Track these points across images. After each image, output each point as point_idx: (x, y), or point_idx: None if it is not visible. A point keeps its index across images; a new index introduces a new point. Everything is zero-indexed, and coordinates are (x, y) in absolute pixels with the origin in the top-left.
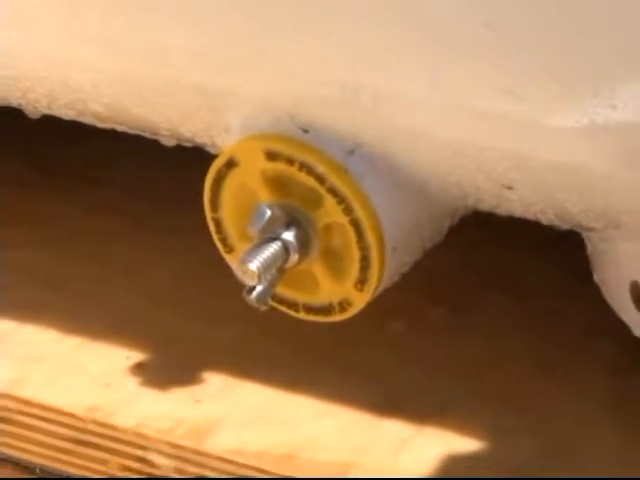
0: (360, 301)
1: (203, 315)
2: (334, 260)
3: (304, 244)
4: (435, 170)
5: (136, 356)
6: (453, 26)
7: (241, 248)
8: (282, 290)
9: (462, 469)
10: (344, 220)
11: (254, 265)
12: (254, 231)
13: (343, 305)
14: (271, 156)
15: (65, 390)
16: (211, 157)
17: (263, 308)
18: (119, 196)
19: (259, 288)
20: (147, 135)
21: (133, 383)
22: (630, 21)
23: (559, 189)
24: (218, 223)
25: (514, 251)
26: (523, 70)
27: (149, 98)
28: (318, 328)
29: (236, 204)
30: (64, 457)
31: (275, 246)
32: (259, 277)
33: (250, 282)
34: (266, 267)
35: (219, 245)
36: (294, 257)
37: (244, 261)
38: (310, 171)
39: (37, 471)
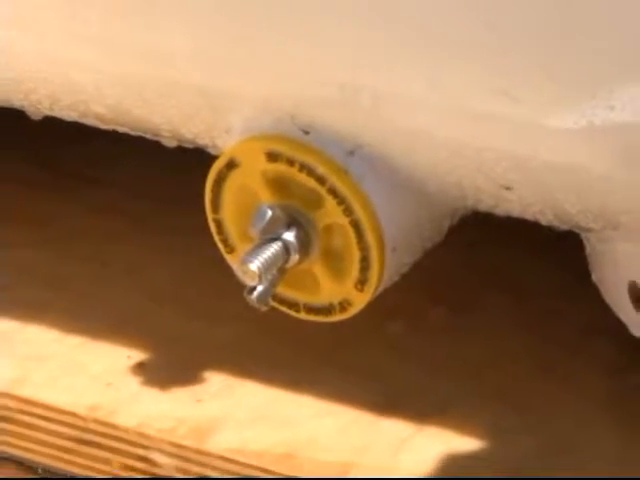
0: (360, 301)
1: (204, 315)
2: (334, 260)
3: (305, 244)
4: (434, 171)
5: (137, 356)
6: (452, 28)
7: (242, 248)
8: (283, 290)
9: (462, 468)
10: (344, 221)
11: (255, 265)
12: (255, 232)
13: (343, 305)
14: (272, 157)
15: (66, 389)
16: (212, 158)
17: (264, 308)
18: (120, 196)
19: (260, 288)
20: (149, 136)
21: (134, 382)
22: (628, 23)
23: (558, 190)
24: (219, 224)
25: (513, 251)
26: (521, 72)
27: (150, 99)
28: (318, 328)
29: (237, 205)
30: (66, 456)
31: (276, 246)
32: (260, 277)
33: (251, 282)
34: (267, 267)
35: (220, 245)
36: (295, 257)
37: (245, 261)
38: (310, 172)
39: (39, 471)
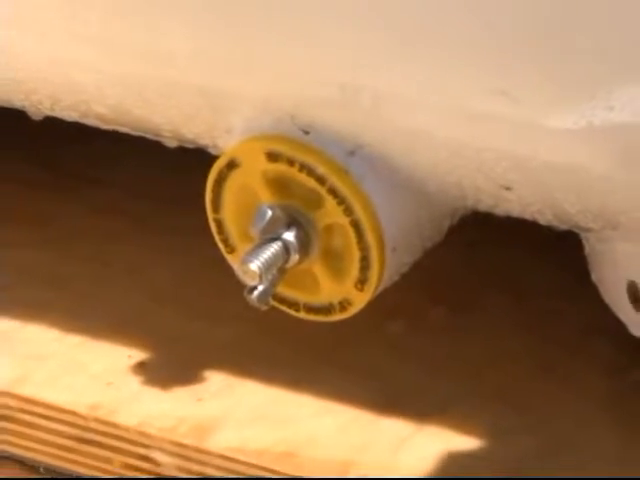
0: (360, 301)
1: (204, 314)
2: (334, 260)
3: (305, 244)
4: (434, 171)
5: (138, 355)
6: (452, 28)
7: (242, 248)
8: (283, 290)
9: (461, 468)
10: (344, 221)
11: (255, 265)
12: (255, 231)
13: (343, 305)
14: (272, 157)
15: (67, 388)
16: (213, 158)
17: (264, 308)
18: (121, 196)
19: (260, 288)
20: (149, 136)
21: (135, 382)
22: (627, 24)
23: (557, 190)
24: (219, 224)
25: (513, 251)
26: (521, 72)
27: (151, 100)
28: (318, 327)
29: (237, 205)
30: (67, 455)
31: (276, 246)
32: (260, 277)
33: (251, 282)
34: (267, 267)
35: (220, 245)
36: (295, 257)
37: (245, 261)
38: (311, 172)
39: (41, 470)
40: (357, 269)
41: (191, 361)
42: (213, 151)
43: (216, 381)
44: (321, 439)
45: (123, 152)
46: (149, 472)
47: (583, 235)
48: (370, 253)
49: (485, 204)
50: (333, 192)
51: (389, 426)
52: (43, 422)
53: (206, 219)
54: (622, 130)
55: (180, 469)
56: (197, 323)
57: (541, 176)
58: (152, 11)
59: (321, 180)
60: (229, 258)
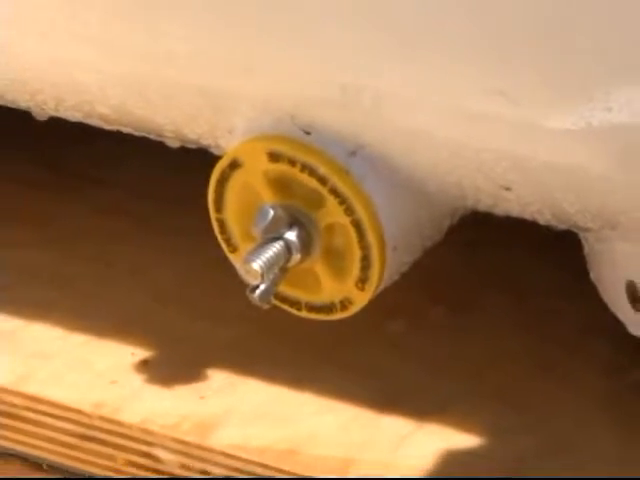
0: (361, 300)
1: (207, 314)
2: (335, 259)
3: (306, 244)
4: (435, 171)
5: (141, 354)
6: (452, 30)
7: (244, 248)
8: (284, 289)
9: (461, 466)
10: (345, 220)
11: (257, 264)
12: (257, 231)
13: (344, 304)
14: (274, 157)
15: (71, 387)
16: (215, 158)
17: (266, 307)
18: (124, 197)
19: (262, 287)
20: (152, 137)
21: (138, 380)
22: (625, 26)
23: (556, 190)
24: (222, 223)
25: (513, 251)
26: (521, 74)
27: (153, 100)
28: (320, 326)
29: (239, 205)
30: (71, 452)
31: (278, 246)
32: (262, 276)
33: (253, 281)
34: (269, 266)
35: (223, 245)
36: (296, 256)
37: (247, 260)
38: (312, 172)
39: (45, 467)
40: (358, 268)
41: (194, 359)
42: (215, 151)
43: (218, 379)
44: (322, 437)
45: (126, 152)
46: (152, 469)
47: (582, 235)
48: (371, 252)
49: (485, 204)
50: (334, 192)
51: (389, 424)
52: (47, 420)
53: (208, 219)
54: (620, 131)
55: (182, 466)
56: (200, 322)
57: (540, 176)
58: (153, 12)
59: (322, 180)
60: (231, 258)
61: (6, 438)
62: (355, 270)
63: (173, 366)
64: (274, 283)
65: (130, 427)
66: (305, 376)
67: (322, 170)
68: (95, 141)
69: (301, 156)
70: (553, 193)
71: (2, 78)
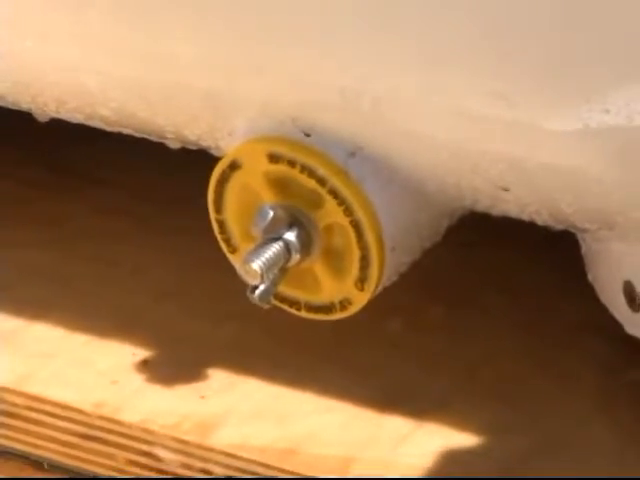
0: (360, 300)
1: (207, 314)
2: (335, 260)
3: (306, 244)
4: (434, 172)
5: (142, 353)
6: (452, 32)
7: (244, 248)
8: (284, 289)
9: (460, 465)
10: (345, 221)
11: (257, 265)
12: (257, 231)
13: (344, 304)
14: (273, 158)
15: (72, 386)
16: (215, 160)
17: (266, 307)
18: (125, 197)
19: (262, 287)
20: (153, 138)
21: (139, 380)
22: (624, 28)
23: (554, 191)
24: (222, 224)
25: (510, 251)
26: (519, 76)
27: (155, 102)
28: (319, 326)
29: (239, 205)
30: (71, 452)
31: (277, 246)
32: (262, 276)
33: (253, 281)
34: (268, 266)
35: (223, 245)
36: (296, 257)
37: (247, 261)
38: (311, 173)
39: (45, 466)
40: (357, 268)
41: (194, 359)
42: (215, 153)
43: (219, 379)
44: (322, 436)
45: (127, 153)
46: (152, 468)
47: (580, 235)
48: (370, 253)
49: (483, 205)
50: (334, 193)
51: (389, 423)
52: (48, 419)
53: (208, 219)
54: (618, 132)
55: (183, 465)
56: (200, 322)
57: (538, 177)
58: (154, 14)
59: (322, 181)
60: (231, 258)
61: (7, 437)
62: (354, 270)
63: (173, 366)
64: (274, 283)
65: (131, 426)
66: (305, 375)
67: (321, 171)
68: (96, 142)
69: (301, 157)
70: (551, 194)
71: (3, 80)
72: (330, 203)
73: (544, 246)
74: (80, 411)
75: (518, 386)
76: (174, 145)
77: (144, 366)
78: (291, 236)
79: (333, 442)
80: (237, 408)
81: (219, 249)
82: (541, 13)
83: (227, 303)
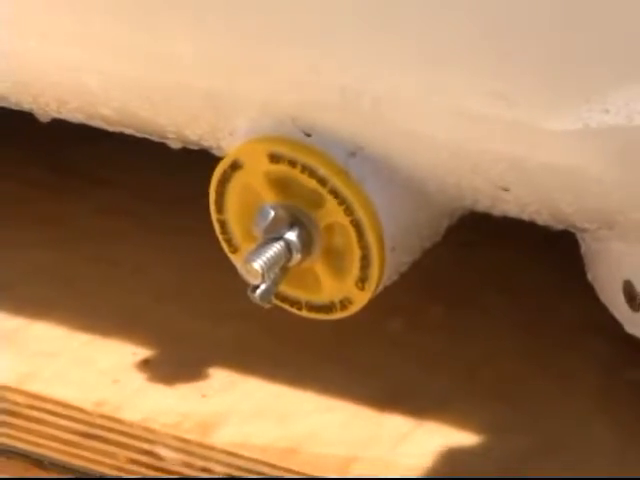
0: (361, 299)
1: (208, 313)
2: (335, 259)
3: (306, 244)
4: (434, 171)
5: (143, 353)
6: (452, 32)
7: (245, 248)
8: (285, 289)
9: (460, 464)
10: (345, 220)
11: (258, 264)
12: (258, 231)
13: (344, 303)
14: (274, 158)
15: (74, 385)
16: (216, 160)
17: (266, 306)
18: (126, 197)
19: (263, 287)
20: (154, 138)
21: (140, 379)
22: (623, 28)
23: (554, 190)
24: (223, 224)
25: (510, 251)
26: (519, 76)
27: (156, 102)
28: (320, 326)
29: (241, 205)
30: (73, 450)
31: (278, 246)
32: (263, 276)
33: (254, 281)
34: (269, 266)
35: (224, 245)
36: (297, 256)
37: (248, 260)
38: (312, 173)
39: (46, 463)
40: (358, 268)
41: (195, 358)
42: (217, 152)
43: (219, 378)
44: (323, 435)
45: (129, 153)
46: (153, 467)
47: (579, 235)
48: (370, 252)
49: (483, 204)
50: (334, 193)
51: (389, 422)
52: (50, 418)
53: (210, 219)
54: (617, 132)
55: (184, 464)
56: (201, 321)
57: (538, 177)
58: (155, 14)
59: (322, 181)
60: (232, 258)
61: (9, 436)
62: (355, 270)
63: (174, 365)
64: (275, 283)
65: (132, 425)
66: (306, 375)
67: (322, 171)
68: (97, 142)
69: (301, 157)
70: (551, 194)
71: (5, 80)
72: (331, 203)
73: (544, 246)
74: (81, 410)
75: (518, 386)
76: (175, 145)
77: (145, 365)
78: (292, 236)
79: (334, 441)
80: (238, 407)
81: (220, 249)
82: (541, 13)
83: (228, 303)
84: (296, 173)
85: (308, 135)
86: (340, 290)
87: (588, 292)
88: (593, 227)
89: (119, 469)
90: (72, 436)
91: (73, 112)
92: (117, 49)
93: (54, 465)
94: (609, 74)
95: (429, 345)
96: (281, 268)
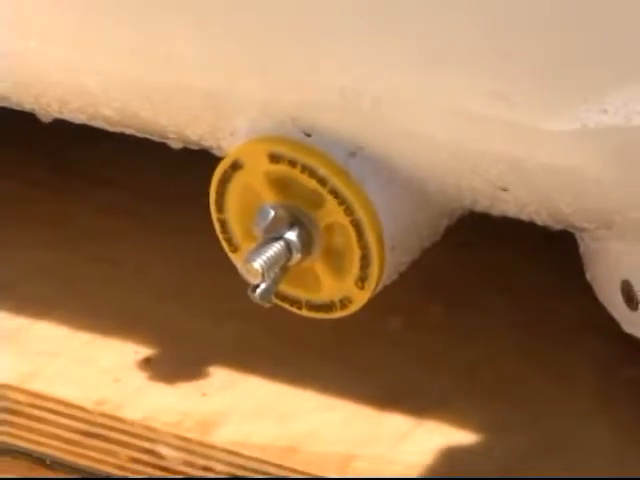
0: (360, 299)
1: (208, 312)
2: (335, 259)
3: (306, 243)
4: (433, 172)
5: (144, 352)
6: (451, 33)
7: (246, 247)
8: (285, 288)
9: (460, 463)
10: (345, 220)
11: (258, 264)
12: (258, 231)
13: (344, 302)
14: (274, 158)
15: (75, 384)
16: (217, 160)
17: (267, 305)
18: (127, 197)
19: (263, 286)
20: (155, 138)
21: (141, 378)
22: (622, 29)
23: (553, 191)
24: (223, 223)
25: (509, 250)
26: (518, 77)
27: (157, 103)
28: (320, 325)
29: (241, 205)
30: (74, 449)
31: (278, 245)
32: (263, 275)
33: (254, 280)
34: (269, 266)
35: (224, 244)
36: (297, 256)
37: (248, 260)
38: (312, 173)
39: (48, 462)
40: (357, 267)
41: (195, 357)
42: (217, 153)
43: (220, 377)
44: (323, 434)
45: (129, 153)
46: (154, 466)
47: (578, 234)
48: (370, 252)
49: (482, 204)
50: (334, 193)
51: (389, 420)
52: (51, 417)
53: (210, 219)
54: (616, 132)
55: (185, 463)
56: (201, 321)
57: (537, 177)
58: (156, 14)
59: (322, 181)
60: (233, 257)
61: (10, 434)
62: (355, 269)
63: (175, 364)
64: (275, 282)
65: (133, 424)
66: (306, 374)
67: (322, 171)
68: (98, 142)
69: (301, 157)
70: (550, 194)
71: (5, 81)
72: (331, 203)
73: (543, 246)
74: (82, 409)
75: (518, 385)
76: (176, 145)
77: (146, 364)
78: (292, 235)
79: (334, 440)
80: (238, 406)
81: (221, 249)
82: (541, 13)
83: (228, 302)
84: (296, 173)
85: (308, 135)
86: (340, 289)
87: (587, 292)
88: (592, 227)
89: (120, 468)
90: (73, 435)
91: (74, 112)
92: (117, 49)
93: (56, 464)
94: (607, 74)
95: (429, 345)
96: (281, 268)
